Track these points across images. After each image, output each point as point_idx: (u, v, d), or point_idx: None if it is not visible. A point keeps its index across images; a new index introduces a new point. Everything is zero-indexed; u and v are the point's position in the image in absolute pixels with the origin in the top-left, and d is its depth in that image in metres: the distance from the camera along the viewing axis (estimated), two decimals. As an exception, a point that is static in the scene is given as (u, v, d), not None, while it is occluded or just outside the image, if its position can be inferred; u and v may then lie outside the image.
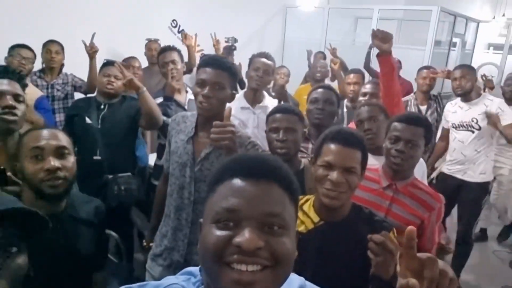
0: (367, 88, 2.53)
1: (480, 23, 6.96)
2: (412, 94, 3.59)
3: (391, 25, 7.31)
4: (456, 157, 2.96)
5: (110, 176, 2.28)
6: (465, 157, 2.89)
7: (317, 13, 6.03)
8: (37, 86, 3.00)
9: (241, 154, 0.73)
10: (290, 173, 0.68)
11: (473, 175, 2.90)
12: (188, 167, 1.61)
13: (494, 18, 7.46)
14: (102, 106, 2.37)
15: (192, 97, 2.90)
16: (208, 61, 1.58)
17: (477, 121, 2.85)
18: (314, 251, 1.26)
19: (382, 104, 2.14)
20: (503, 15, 7.32)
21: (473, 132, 2.86)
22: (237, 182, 0.63)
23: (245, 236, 0.58)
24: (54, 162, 1.19)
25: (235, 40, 4.76)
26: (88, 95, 2.88)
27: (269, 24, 6.13)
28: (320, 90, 2.20)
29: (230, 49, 4.70)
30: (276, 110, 1.78)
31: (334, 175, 1.22)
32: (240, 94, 2.53)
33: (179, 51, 2.71)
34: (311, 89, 2.35)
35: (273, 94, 3.52)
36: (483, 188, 2.97)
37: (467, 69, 2.93)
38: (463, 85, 2.87)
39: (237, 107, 2.38)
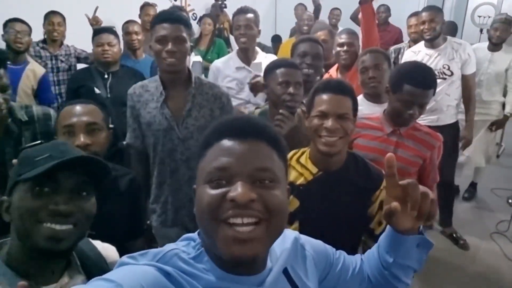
0: (343, 38, 2.45)
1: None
2: (406, 42, 3.41)
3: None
4: (429, 106, 2.83)
5: (125, 142, 2.36)
6: (437, 103, 2.75)
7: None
8: (40, 57, 3.02)
9: (227, 117, 0.75)
10: (276, 132, 0.70)
11: (445, 119, 2.83)
12: (173, 129, 1.66)
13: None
14: (106, 76, 2.39)
15: (197, 58, 2.90)
16: (163, 17, 1.60)
17: (449, 67, 2.73)
18: (316, 200, 1.35)
19: (386, 52, 2.18)
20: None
21: (445, 79, 2.75)
22: (226, 142, 0.65)
23: (238, 190, 0.60)
24: (85, 139, 1.25)
25: None
26: (86, 66, 2.88)
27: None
28: (308, 43, 2.14)
29: (219, 7, 4.58)
30: (285, 64, 1.77)
31: (329, 122, 1.28)
32: (233, 53, 2.49)
33: None
34: (296, 40, 2.29)
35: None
36: (456, 127, 2.94)
37: (436, 11, 2.73)
38: (433, 27, 2.68)
39: (232, 67, 2.38)
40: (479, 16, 5.89)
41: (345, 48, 2.42)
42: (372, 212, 1.38)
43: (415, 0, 5.26)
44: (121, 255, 1.12)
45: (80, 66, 3.25)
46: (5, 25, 2.74)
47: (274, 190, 0.64)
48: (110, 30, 2.52)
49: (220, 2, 4.63)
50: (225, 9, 4.65)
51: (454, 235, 3.06)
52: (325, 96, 1.31)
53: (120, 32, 2.71)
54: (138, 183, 1.50)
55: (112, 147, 2.31)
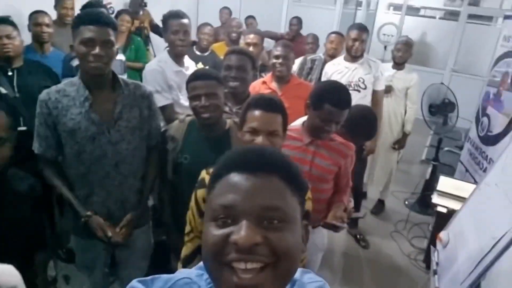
0: (279, 50, 2.54)
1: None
2: (321, 54, 3.55)
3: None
4: None
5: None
6: None
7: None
8: None
9: (238, 148, 0.69)
10: (291, 164, 0.64)
11: None
12: (103, 134, 1.58)
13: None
14: (10, 73, 2.17)
15: (118, 57, 2.76)
16: (90, 18, 1.49)
17: (364, 80, 2.97)
18: None
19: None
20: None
21: (359, 91, 2.97)
22: (234, 176, 0.60)
23: (241, 233, 0.55)
24: None
25: None
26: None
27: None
28: (233, 57, 2.18)
29: (140, 4, 4.42)
30: (195, 77, 1.74)
31: (259, 139, 1.36)
32: (166, 57, 2.41)
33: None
34: (226, 51, 2.32)
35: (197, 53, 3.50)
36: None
37: (365, 31, 2.98)
38: (360, 47, 2.95)
39: (170, 70, 2.35)
40: (384, 34, 6.52)
41: (280, 60, 2.53)
42: None
43: (330, 14, 5.63)
44: (22, 268, 0.99)
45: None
46: None
47: (283, 231, 0.58)
48: (7, 21, 2.23)
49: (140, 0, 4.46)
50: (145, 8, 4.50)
51: (358, 236, 3.39)
52: (256, 113, 1.38)
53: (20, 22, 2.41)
54: (39, 190, 1.42)
55: (22, 149, 2.12)
